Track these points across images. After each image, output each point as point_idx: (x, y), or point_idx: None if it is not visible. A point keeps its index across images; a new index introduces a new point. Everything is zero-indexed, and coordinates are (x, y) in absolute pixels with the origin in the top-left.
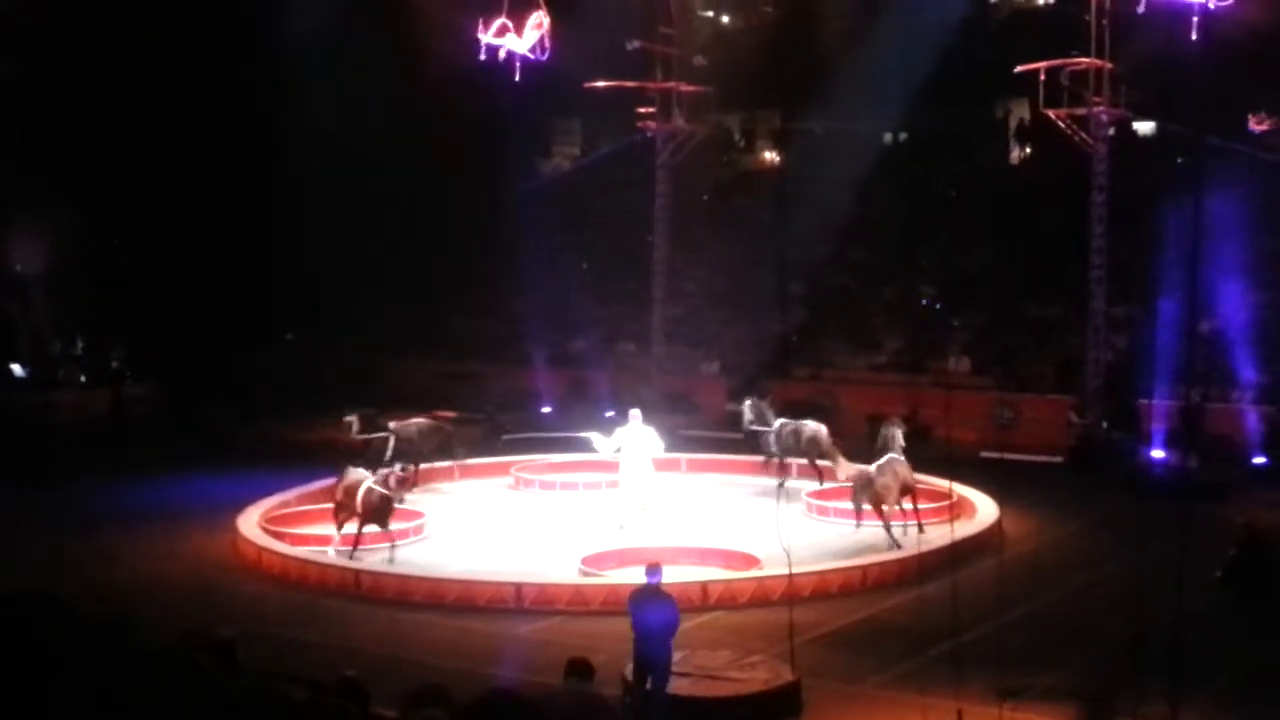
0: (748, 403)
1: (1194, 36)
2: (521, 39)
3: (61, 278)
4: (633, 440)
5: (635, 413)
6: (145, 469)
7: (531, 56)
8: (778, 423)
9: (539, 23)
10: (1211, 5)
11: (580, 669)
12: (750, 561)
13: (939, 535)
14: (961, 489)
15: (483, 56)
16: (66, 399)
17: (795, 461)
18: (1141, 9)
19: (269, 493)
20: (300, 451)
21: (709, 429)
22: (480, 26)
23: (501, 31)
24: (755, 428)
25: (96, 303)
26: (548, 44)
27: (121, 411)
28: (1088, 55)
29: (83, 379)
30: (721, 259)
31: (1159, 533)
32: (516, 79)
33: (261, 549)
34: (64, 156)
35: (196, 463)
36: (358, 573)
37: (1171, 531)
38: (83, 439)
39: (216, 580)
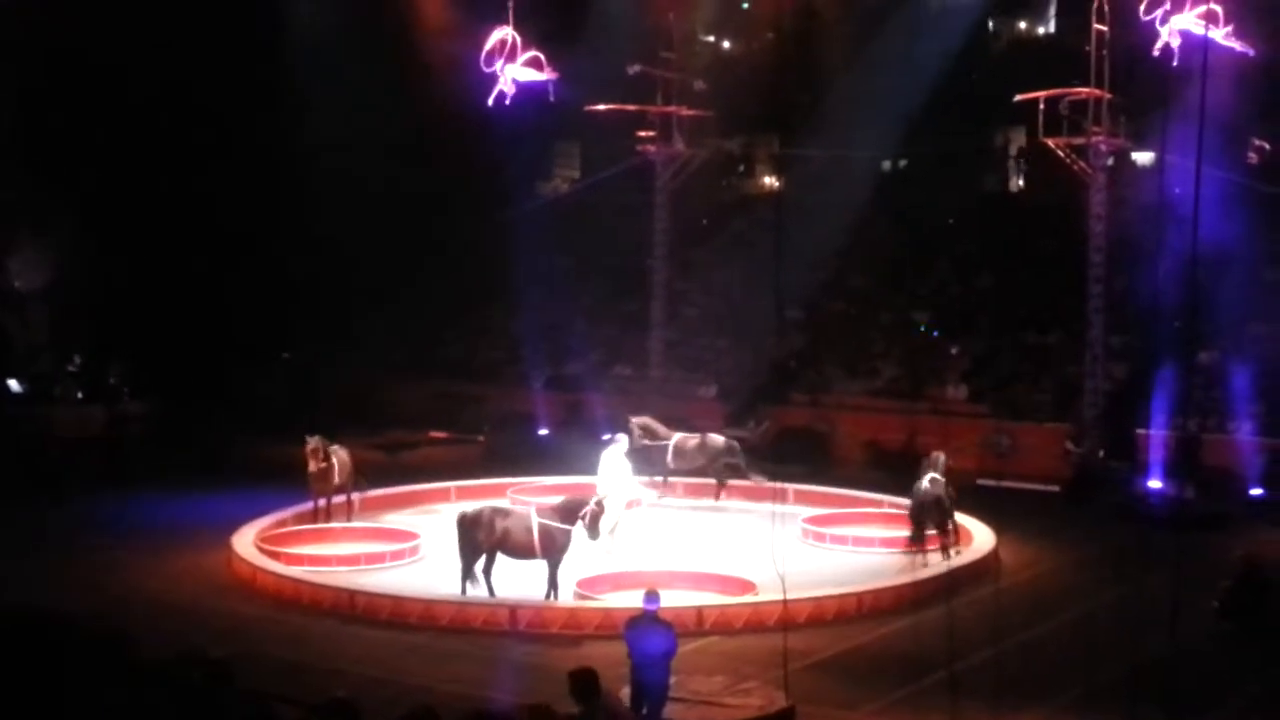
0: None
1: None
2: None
3: (60, 294)
4: (611, 464)
5: (620, 437)
6: (141, 486)
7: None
8: (676, 436)
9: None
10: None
11: (584, 684)
12: (746, 587)
13: (935, 564)
14: (958, 517)
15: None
16: (63, 415)
17: (789, 487)
18: (1157, 51)
19: (264, 512)
20: (296, 471)
21: None
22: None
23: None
24: (646, 442)
25: (94, 319)
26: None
27: (118, 428)
28: (1087, 85)
29: (79, 395)
30: (720, 283)
31: (1156, 563)
32: (507, 103)
33: (256, 568)
34: (64, 172)
35: (192, 481)
36: (352, 593)
37: (1168, 562)
38: (79, 455)
39: (210, 600)
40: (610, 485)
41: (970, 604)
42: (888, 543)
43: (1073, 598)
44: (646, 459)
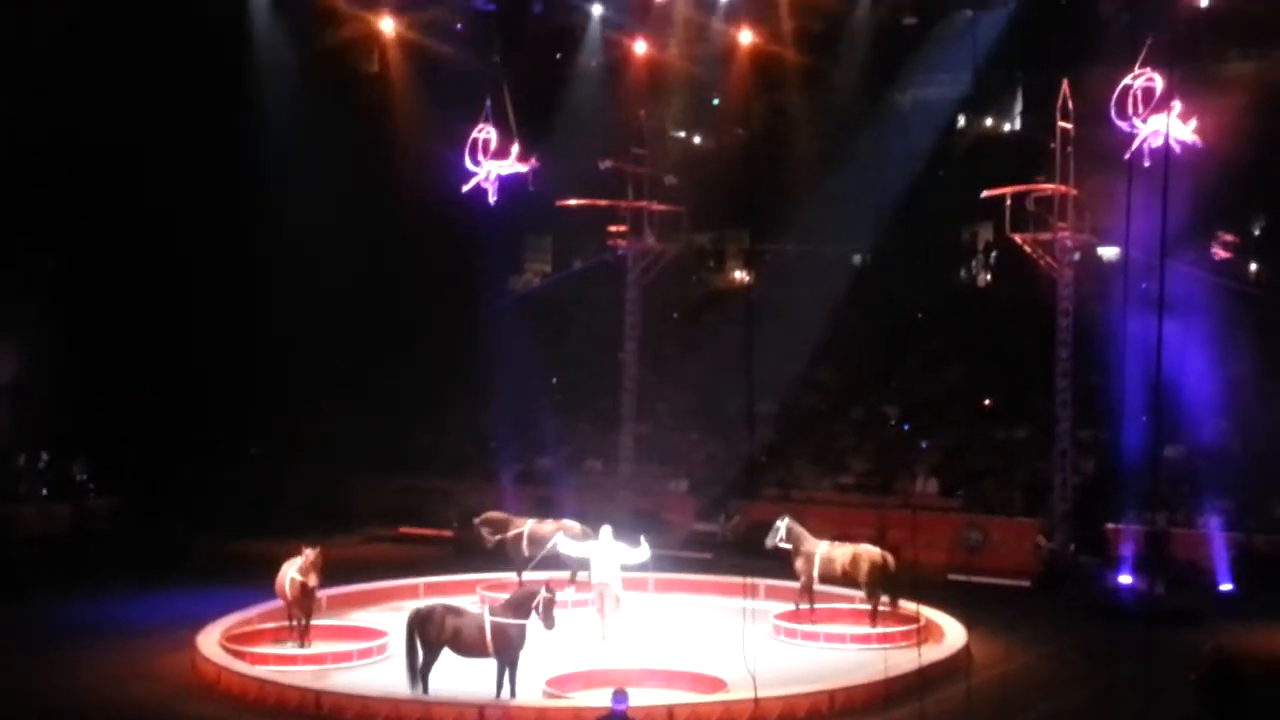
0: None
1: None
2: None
3: (25, 390)
4: (602, 556)
5: (606, 529)
6: (106, 584)
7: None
8: (530, 522)
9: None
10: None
11: None
12: (716, 684)
13: (907, 659)
14: (929, 612)
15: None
16: (27, 513)
17: (762, 582)
18: (1129, 155)
19: (230, 610)
20: (262, 568)
21: (677, 548)
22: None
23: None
24: (496, 537)
25: (59, 415)
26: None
27: (83, 526)
28: (1052, 181)
29: (44, 492)
30: (691, 377)
31: (1127, 658)
32: (493, 200)
33: (221, 668)
34: (30, 267)
35: (158, 579)
36: (318, 694)
37: (1139, 656)
38: (43, 553)
39: (175, 700)
40: (602, 577)
41: (942, 700)
42: (859, 639)
43: (1044, 693)
44: (504, 552)
